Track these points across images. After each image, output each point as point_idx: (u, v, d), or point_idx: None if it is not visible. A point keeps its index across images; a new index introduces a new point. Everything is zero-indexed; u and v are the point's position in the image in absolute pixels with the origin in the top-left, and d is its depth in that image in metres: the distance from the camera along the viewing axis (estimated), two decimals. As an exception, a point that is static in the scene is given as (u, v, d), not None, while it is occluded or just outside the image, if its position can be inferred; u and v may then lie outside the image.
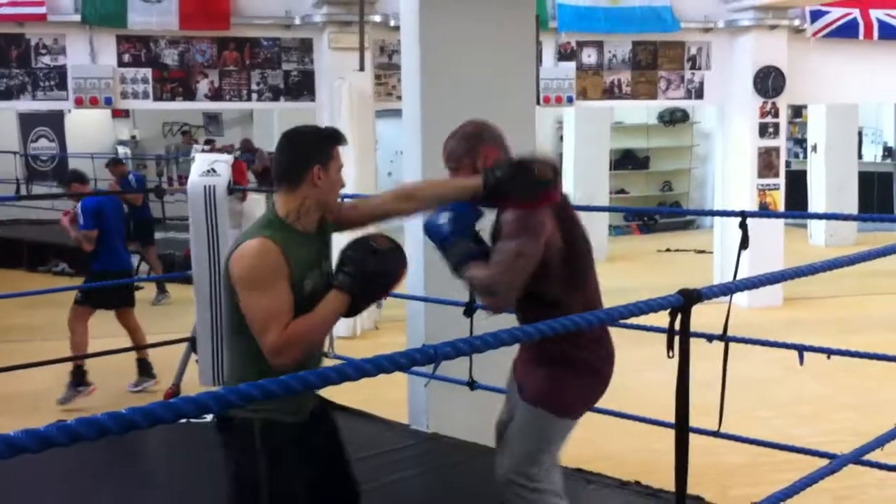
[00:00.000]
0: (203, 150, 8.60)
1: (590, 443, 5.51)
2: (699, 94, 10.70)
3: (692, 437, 2.24)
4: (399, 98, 7.99)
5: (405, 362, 1.56)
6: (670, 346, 2.08)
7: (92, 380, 6.70)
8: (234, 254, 2.58)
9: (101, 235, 6.87)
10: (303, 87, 9.52)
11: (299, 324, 2.53)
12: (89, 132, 14.91)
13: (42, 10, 8.57)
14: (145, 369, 6.97)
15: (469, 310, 4.06)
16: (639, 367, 7.33)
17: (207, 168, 5.35)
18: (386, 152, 13.69)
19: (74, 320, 6.72)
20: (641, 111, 16.35)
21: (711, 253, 11.25)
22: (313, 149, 2.68)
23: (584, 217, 12.32)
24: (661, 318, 2.18)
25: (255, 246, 2.54)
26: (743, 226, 3.91)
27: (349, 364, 1.51)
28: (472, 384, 4.51)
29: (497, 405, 4.67)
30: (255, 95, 9.47)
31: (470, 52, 5.08)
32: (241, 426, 2.56)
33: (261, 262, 2.52)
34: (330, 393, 5.38)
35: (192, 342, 5.56)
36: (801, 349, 3.97)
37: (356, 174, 8.99)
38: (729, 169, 10.84)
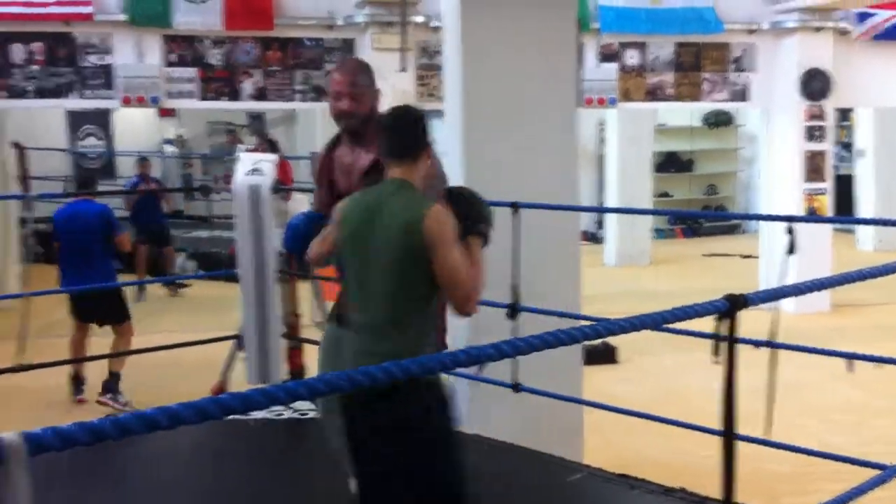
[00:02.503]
0: (255, 149, 8.59)
1: (633, 448, 5.49)
2: (744, 97, 10.58)
3: (738, 444, 2.21)
4: (440, 99, 8.00)
5: (450, 363, 1.56)
6: (716, 352, 2.06)
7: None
8: (427, 219, 2.67)
9: (63, 248, 6.59)
10: (346, 87, 9.55)
11: (475, 273, 2.75)
12: (136, 130, 15.10)
13: (89, 9, 8.70)
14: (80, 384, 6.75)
15: (513, 311, 4.04)
16: (683, 372, 7.30)
17: (252, 167, 5.39)
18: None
19: (74, 329, 6.69)
20: (685, 113, 16.21)
21: (757, 258, 11.12)
22: (428, 129, 2.86)
23: (626, 220, 12.33)
24: (707, 323, 2.15)
25: (441, 210, 2.73)
26: (790, 231, 3.86)
27: (395, 364, 1.51)
28: (516, 386, 4.50)
29: (542, 408, 4.68)
30: (298, 95, 9.53)
31: (511, 53, 5.06)
32: (410, 389, 2.56)
33: (450, 223, 2.72)
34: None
35: (239, 340, 5.59)
36: (848, 357, 3.90)
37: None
38: (775, 173, 10.71)
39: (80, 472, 4.17)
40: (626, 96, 10.31)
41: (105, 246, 6.62)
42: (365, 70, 3.33)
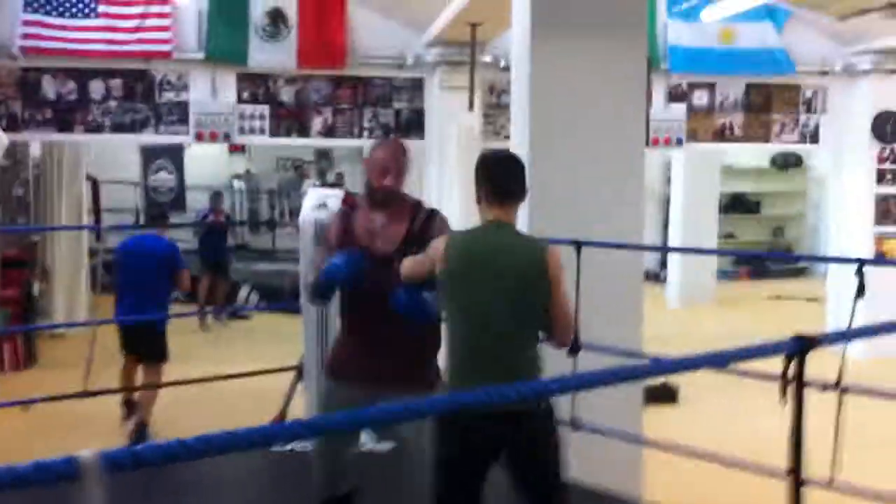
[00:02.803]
0: (332, 185, 8.72)
1: (694, 490, 5.39)
2: (814, 139, 10.44)
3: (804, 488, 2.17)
4: (507, 137, 8.05)
5: (513, 395, 1.57)
6: (783, 393, 2.04)
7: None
8: (550, 256, 3.02)
9: (121, 280, 6.66)
10: (412, 125, 9.69)
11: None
12: (207, 165, 15.44)
13: (168, 47, 8.97)
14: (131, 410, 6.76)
15: (573, 349, 4.03)
16: (746, 415, 7.15)
17: (319, 202, 5.48)
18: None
19: (124, 360, 6.74)
20: (753, 154, 16.03)
21: (823, 301, 10.89)
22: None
23: (690, 260, 12.12)
24: (771, 367, 2.13)
25: (556, 248, 3.12)
26: (860, 273, 3.80)
27: (461, 395, 1.52)
28: (575, 424, 4.47)
29: (601, 446, 4.63)
30: (366, 133, 9.68)
31: (580, 93, 5.09)
32: (546, 412, 2.94)
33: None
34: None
35: (300, 371, 5.66)
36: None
37: (461, 212, 9.06)
38: (844, 215, 10.52)
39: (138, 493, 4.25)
40: (694, 136, 10.25)
41: (163, 282, 6.66)
42: (404, 150, 3.63)
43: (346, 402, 3.38)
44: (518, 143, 5.27)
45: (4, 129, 8.33)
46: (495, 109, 9.80)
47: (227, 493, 4.49)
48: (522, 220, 5.08)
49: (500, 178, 3.05)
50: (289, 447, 4.80)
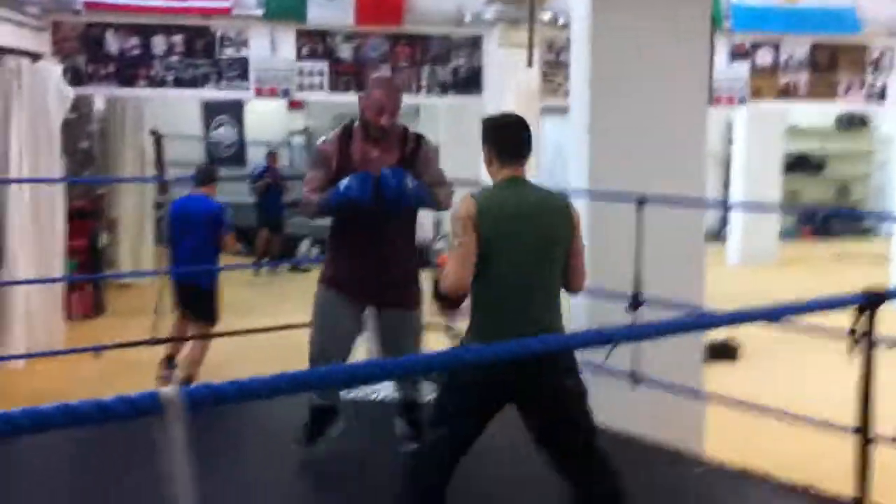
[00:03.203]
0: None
1: (756, 446, 5.38)
2: (881, 99, 10.19)
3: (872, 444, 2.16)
4: (565, 95, 7.99)
5: (579, 343, 1.58)
6: (852, 348, 2.02)
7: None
8: (571, 208, 3.19)
9: (173, 241, 6.68)
10: (470, 82, 9.65)
11: None
12: (266, 121, 15.56)
13: (227, 4, 9.01)
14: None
15: (634, 303, 4.03)
16: (809, 371, 7.09)
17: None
18: (548, 149, 13.68)
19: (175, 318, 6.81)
20: (817, 114, 15.69)
21: (889, 261, 10.69)
22: None
23: (753, 218, 11.99)
24: (837, 322, 2.11)
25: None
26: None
27: (521, 343, 1.54)
28: (636, 377, 4.47)
29: (662, 401, 4.63)
30: (423, 90, 9.66)
31: (641, 51, 5.03)
32: (569, 357, 2.98)
33: None
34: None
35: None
36: None
37: (520, 169, 9.05)
38: (911, 175, 10.29)
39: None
40: (757, 95, 10.07)
41: (210, 244, 6.66)
42: (399, 88, 3.96)
43: (345, 314, 3.92)
44: (577, 101, 5.23)
45: (69, 84, 8.48)
46: (554, 67, 9.71)
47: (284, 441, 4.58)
48: (583, 175, 5.08)
49: (511, 139, 3.17)
50: (350, 395, 4.89)
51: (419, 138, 3.95)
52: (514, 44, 9.06)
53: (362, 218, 3.77)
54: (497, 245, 3.04)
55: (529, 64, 8.79)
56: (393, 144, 3.87)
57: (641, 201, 4.39)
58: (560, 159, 15.07)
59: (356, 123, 3.93)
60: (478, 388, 2.97)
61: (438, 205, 3.98)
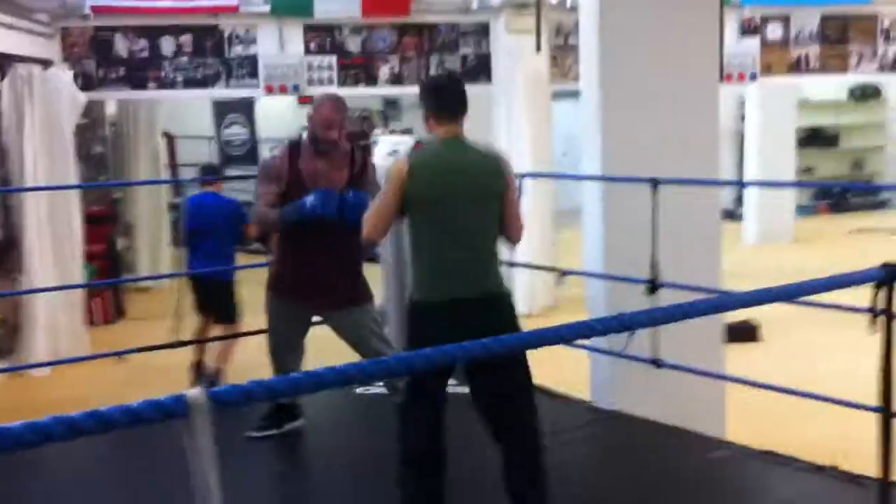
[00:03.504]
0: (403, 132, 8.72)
1: (778, 427, 5.37)
2: (893, 68, 10.10)
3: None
4: (575, 79, 7.96)
5: (600, 328, 1.59)
6: (873, 324, 2.02)
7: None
8: (504, 164, 3.30)
9: (192, 236, 6.65)
10: (479, 70, 9.63)
11: None
12: (278, 118, 15.58)
13: (235, 2, 9.03)
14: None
15: (652, 287, 4.03)
16: (829, 351, 7.07)
17: (391, 149, 5.53)
18: (560, 133, 13.65)
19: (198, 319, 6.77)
20: (830, 87, 15.56)
21: (907, 235, 10.62)
22: None
23: (768, 196, 11.92)
24: (856, 299, 2.10)
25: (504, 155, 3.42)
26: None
27: (549, 329, 1.55)
28: (657, 362, 4.47)
29: (683, 384, 4.63)
30: (433, 80, 9.64)
31: (651, 30, 5.00)
32: (509, 296, 3.33)
33: None
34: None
35: (382, 314, 5.73)
36: None
37: (532, 155, 9.03)
38: (927, 145, 10.21)
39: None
40: (768, 70, 10.00)
41: (227, 239, 6.66)
42: (345, 105, 4.11)
43: (289, 317, 4.17)
44: (588, 84, 5.21)
45: (80, 89, 8.52)
46: (562, 51, 9.68)
47: (315, 434, 4.61)
48: (596, 159, 5.07)
49: (445, 97, 3.29)
50: (368, 390, 4.91)
51: (365, 156, 4.18)
52: (521, 29, 9.03)
53: (312, 227, 3.94)
54: (433, 200, 3.17)
55: (538, 49, 8.76)
56: (341, 160, 4.05)
57: (655, 183, 4.38)
58: (572, 143, 15.07)
59: (304, 138, 4.09)
60: (432, 338, 3.00)
61: None
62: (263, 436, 4.37)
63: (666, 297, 4.30)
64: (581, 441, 4.42)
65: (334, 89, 9.61)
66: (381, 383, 4.75)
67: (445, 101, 3.30)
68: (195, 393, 1.41)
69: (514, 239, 3.38)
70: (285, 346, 4.29)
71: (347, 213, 3.85)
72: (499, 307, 3.22)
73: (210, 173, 6.90)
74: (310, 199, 3.87)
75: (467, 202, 3.19)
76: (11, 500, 4.01)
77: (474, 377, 3.26)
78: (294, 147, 4.08)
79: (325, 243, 4.00)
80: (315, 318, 4.35)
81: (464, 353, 1.68)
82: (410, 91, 10.84)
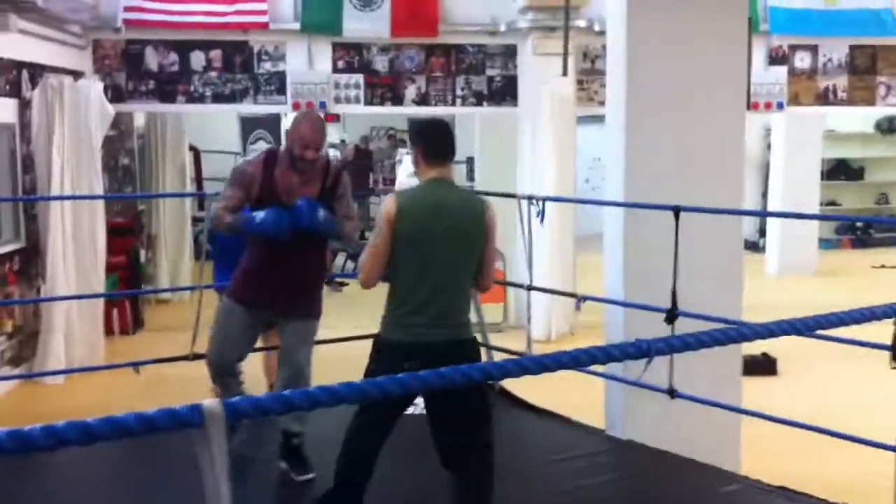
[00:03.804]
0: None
1: (793, 462, 5.31)
2: (922, 101, 10.05)
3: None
4: (601, 103, 7.96)
5: (618, 354, 1.59)
6: (894, 359, 2.00)
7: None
8: (488, 210, 3.41)
9: (218, 249, 6.57)
10: (505, 92, 9.66)
11: None
12: (302, 135, 15.67)
13: (265, 18, 9.12)
14: None
15: (671, 316, 4.01)
16: (848, 386, 7.00)
17: (412, 170, 5.54)
18: (583, 158, 13.65)
19: None
20: (857, 119, 15.47)
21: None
22: None
23: (791, 228, 11.77)
24: (877, 335, 2.08)
25: (491, 202, 3.51)
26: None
27: (566, 353, 1.55)
28: (672, 392, 4.44)
29: (698, 415, 4.60)
30: (459, 101, 9.69)
31: (679, 56, 5.01)
32: (474, 342, 3.44)
33: None
34: (527, 394, 5.39)
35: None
36: None
37: (556, 179, 9.03)
38: (954, 181, 10.12)
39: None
40: (795, 100, 9.97)
41: None
42: (323, 126, 4.19)
43: (246, 324, 4.23)
44: (614, 108, 5.22)
45: (110, 101, 8.61)
46: (589, 75, 9.69)
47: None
48: (619, 184, 5.07)
49: (437, 141, 3.39)
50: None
51: (339, 173, 4.25)
52: (548, 52, 9.06)
53: (274, 241, 4.03)
54: (416, 240, 3.27)
55: (565, 73, 8.78)
56: (315, 175, 4.13)
57: (678, 211, 4.37)
58: (595, 168, 15.05)
59: (281, 150, 4.16)
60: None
61: (344, 237, 4.27)
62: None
63: (684, 327, 4.27)
64: (592, 469, 4.40)
65: (361, 108, 9.68)
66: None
67: (437, 144, 3.39)
68: (211, 403, 1.41)
69: (484, 286, 3.48)
70: (227, 355, 4.30)
71: (301, 223, 3.94)
72: (466, 353, 3.29)
73: None
74: (260, 216, 3.97)
75: (449, 244, 3.28)
76: (23, 501, 4.03)
77: (433, 401, 3.32)
78: (271, 156, 4.16)
79: (292, 252, 4.07)
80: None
81: (478, 374, 1.68)
82: (437, 112, 10.90)
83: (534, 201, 5.28)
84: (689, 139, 5.01)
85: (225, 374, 4.33)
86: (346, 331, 7.12)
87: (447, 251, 3.27)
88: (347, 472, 3.41)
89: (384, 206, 3.32)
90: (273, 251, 4.10)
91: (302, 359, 4.23)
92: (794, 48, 9.90)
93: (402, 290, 3.30)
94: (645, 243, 4.87)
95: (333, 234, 4.15)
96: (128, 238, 9.48)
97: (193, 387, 6.63)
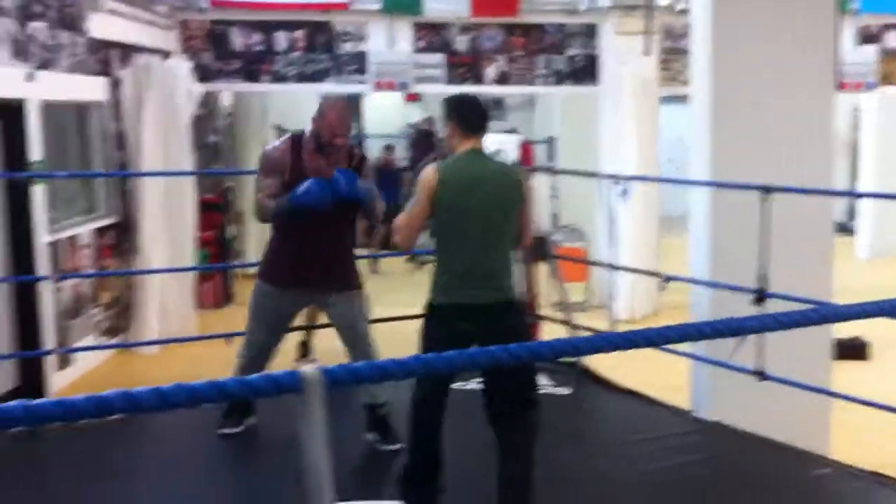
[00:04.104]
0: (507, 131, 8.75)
1: (885, 447, 5.20)
2: None
3: None
4: (684, 83, 7.85)
5: (709, 332, 1.58)
6: None
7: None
8: (523, 177, 3.60)
9: None
10: (586, 71, 9.58)
11: None
12: (384, 114, 15.79)
13: (346, -1, 9.22)
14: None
15: (760, 297, 3.95)
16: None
17: (496, 148, 5.55)
18: (666, 138, 13.46)
19: None
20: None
21: None
22: None
23: (883, 209, 11.50)
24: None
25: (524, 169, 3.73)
26: None
27: (655, 330, 1.55)
28: (761, 374, 4.38)
29: (787, 399, 4.53)
30: (539, 80, 9.65)
31: (766, 34, 4.91)
32: (519, 305, 3.60)
33: None
34: (613, 373, 5.36)
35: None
36: None
37: (638, 160, 8.94)
38: None
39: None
40: (887, 80, 9.67)
41: None
42: (349, 112, 4.26)
43: (286, 305, 4.26)
44: (698, 88, 5.14)
45: (198, 80, 8.80)
46: (672, 54, 9.55)
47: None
48: (705, 164, 5.01)
49: (471, 114, 3.53)
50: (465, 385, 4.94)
51: (363, 156, 4.31)
52: (630, 31, 8.96)
53: (309, 216, 4.03)
54: (458, 209, 3.41)
55: (647, 52, 8.70)
56: (341, 158, 4.17)
57: (766, 191, 4.29)
58: (678, 148, 14.83)
59: (306, 132, 4.17)
60: (445, 339, 3.26)
61: (373, 215, 4.29)
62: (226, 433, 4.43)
63: (772, 309, 4.21)
64: (679, 449, 4.36)
65: (442, 87, 9.70)
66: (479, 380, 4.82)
67: (472, 118, 3.53)
68: (310, 369, 1.45)
69: (523, 245, 3.70)
70: (266, 340, 4.30)
71: (342, 193, 3.97)
72: (513, 313, 3.48)
73: None
74: (303, 188, 3.98)
75: (488, 211, 3.43)
76: (129, 463, 4.20)
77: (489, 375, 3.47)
78: (296, 140, 4.18)
79: (322, 230, 4.09)
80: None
81: (569, 349, 1.69)
82: (517, 91, 10.87)
83: (617, 181, 5.24)
84: (775, 118, 4.92)
85: (262, 362, 4.30)
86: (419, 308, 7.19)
87: (487, 218, 3.42)
88: (419, 443, 3.52)
89: (425, 177, 3.46)
90: (304, 228, 4.08)
91: (362, 334, 4.23)
92: (886, 27, 9.60)
93: (448, 256, 3.46)
94: (731, 224, 4.80)
95: (371, 205, 4.15)
96: (217, 214, 9.69)
97: (281, 357, 6.80)
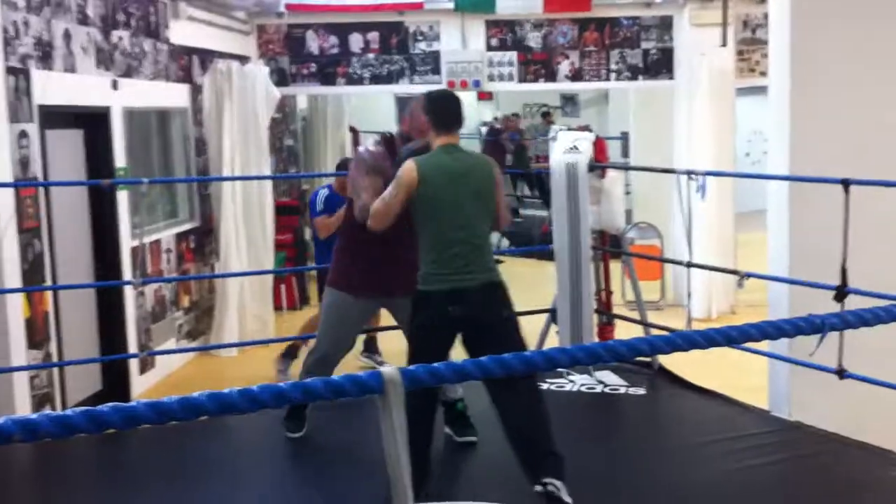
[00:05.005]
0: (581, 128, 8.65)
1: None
2: None
3: None
4: (762, 74, 7.71)
5: (790, 329, 1.57)
6: None
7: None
8: (494, 167, 3.84)
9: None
10: (661, 65, 9.49)
11: None
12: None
13: (420, -1, 9.29)
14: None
15: (840, 294, 3.88)
16: None
17: (570, 145, 5.53)
18: (742, 131, 13.24)
19: None
20: None
21: None
22: None
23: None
24: None
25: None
26: None
27: (735, 328, 1.55)
28: (841, 373, 4.29)
29: (869, 397, 4.42)
30: (613, 75, 9.58)
31: (844, 25, 4.81)
32: (503, 286, 3.76)
33: None
34: (691, 376, 5.29)
35: (553, 314, 5.76)
36: None
37: (714, 153, 8.80)
38: None
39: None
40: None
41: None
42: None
43: (358, 311, 4.34)
44: (777, 79, 5.06)
45: (275, 84, 8.96)
46: (749, 45, 9.40)
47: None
48: (784, 158, 4.93)
49: (446, 111, 3.76)
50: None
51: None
52: (706, 23, 8.84)
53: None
54: (439, 202, 3.64)
55: (723, 43, 8.57)
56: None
57: (847, 184, 4.20)
58: (755, 142, 14.56)
59: (395, 136, 4.24)
60: (437, 326, 3.61)
61: None
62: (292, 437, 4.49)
63: (853, 306, 4.12)
64: (758, 450, 4.30)
65: (514, 85, 9.72)
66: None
67: (447, 115, 3.76)
68: (390, 371, 1.50)
69: (500, 227, 3.95)
70: (340, 347, 4.35)
71: None
72: (499, 293, 3.72)
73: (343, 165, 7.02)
74: None
75: (468, 200, 3.67)
76: (217, 458, 4.32)
77: (472, 340, 3.68)
78: (390, 143, 4.19)
79: (391, 233, 3.99)
80: None
81: (647, 348, 1.70)
82: (590, 87, 10.80)
83: (693, 176, 5.18)
84: (856, 111, 4.81)
85: (331, 366, 4.32)
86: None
87: (467, 207, 3.66)
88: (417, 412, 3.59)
89: (404, 172, 3.66)
90: (371, 237, 4.00)
91: None
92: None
93: (433, 245, 3.67)
94: (811, 219, 4.72)
95: None
96: (293, 217, 9.86)
97: (354, 358, 6.92)
